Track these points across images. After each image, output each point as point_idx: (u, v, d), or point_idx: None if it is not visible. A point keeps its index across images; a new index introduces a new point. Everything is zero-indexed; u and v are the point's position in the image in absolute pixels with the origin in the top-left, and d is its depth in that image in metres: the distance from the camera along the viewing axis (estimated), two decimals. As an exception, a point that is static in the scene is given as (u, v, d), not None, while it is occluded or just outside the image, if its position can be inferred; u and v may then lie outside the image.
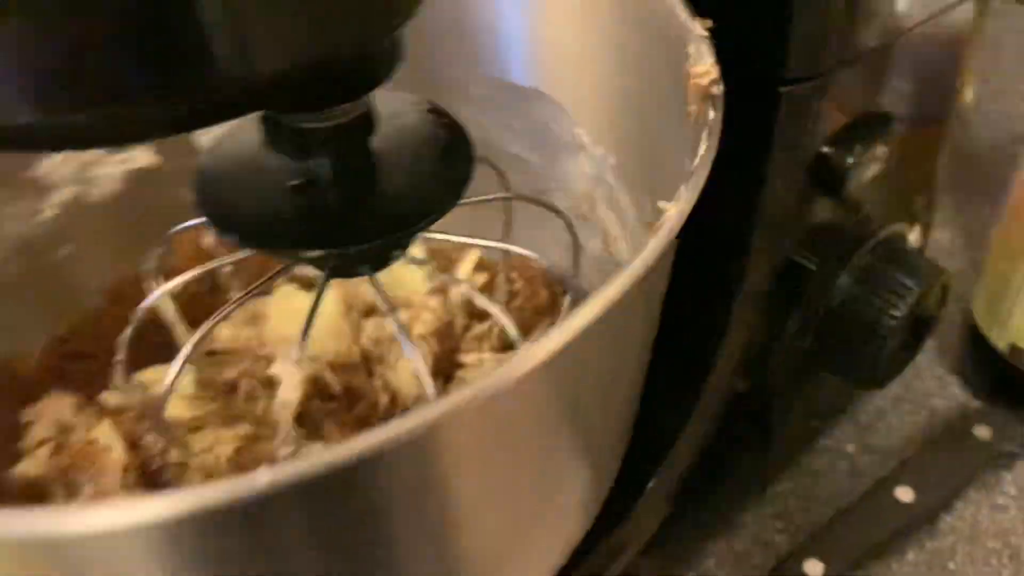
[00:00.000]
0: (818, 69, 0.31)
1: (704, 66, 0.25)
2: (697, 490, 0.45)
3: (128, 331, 0.30)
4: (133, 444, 0.33)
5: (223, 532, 0.17)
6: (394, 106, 0.30)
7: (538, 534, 0.28)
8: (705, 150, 0.23)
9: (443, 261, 0.44)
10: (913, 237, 0.44)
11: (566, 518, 0.29)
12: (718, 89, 0.25)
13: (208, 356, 0.39)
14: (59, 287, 0.41)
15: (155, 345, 0.38)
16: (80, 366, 0.40)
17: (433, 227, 0.27)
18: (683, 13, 0.28)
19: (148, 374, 0.39)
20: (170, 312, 0.36)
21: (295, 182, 0.27)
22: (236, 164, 0.28)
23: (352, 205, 0.27)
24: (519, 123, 0.40)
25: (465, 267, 0.41)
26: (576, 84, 0.35)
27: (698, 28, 0.27)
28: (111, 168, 0.41)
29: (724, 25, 0.31)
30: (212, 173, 0.28)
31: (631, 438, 0.32)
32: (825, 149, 0.33)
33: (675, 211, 0.21)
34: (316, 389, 0.35)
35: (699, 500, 0.46)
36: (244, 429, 0.34)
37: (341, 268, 0.28)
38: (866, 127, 0.35)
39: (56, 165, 0.40)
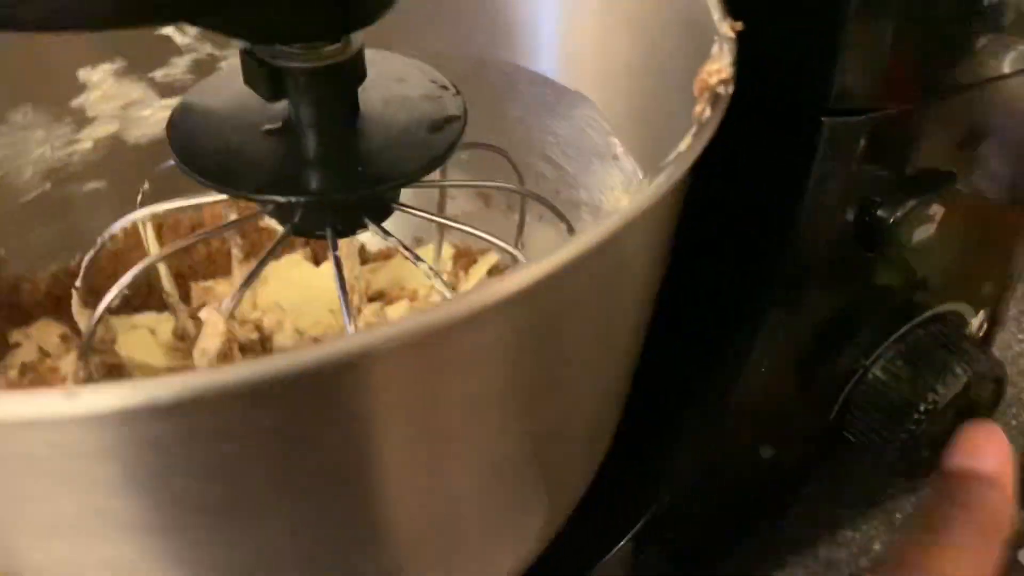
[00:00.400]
0: (868, 104, 0.28)
1: (718, 64, 0.23)
2: (702, 555, 0.42)
3: (86, 260, 0.29)
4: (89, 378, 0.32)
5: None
6: (406, 72, 0.29)
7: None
8: (686, 146, 0.20)
9: (466, 261, 0.42)
10: (976, 323, 0.40)
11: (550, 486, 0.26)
12: (724, 89, 0.22)
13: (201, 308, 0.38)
14: (80, 221, 0.41)
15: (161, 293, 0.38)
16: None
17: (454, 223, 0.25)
18: (716, 13, 0.26)
19: (140, 318, 0.38)
20: (162, 269, 0.35)
21: (269, 126, 0.26)
22: (214, 105, 0.27)
23: (322, 157, 0.26)
24: (561, 127, 0.38)
25: (480, 269, 0.40)
26: (604, 82, 0.33)
27: (726, 28, 0.25)
28: (154, 112, 0.41)
29: (773, 44, 0.29)
30: (189, 113, 0.27)
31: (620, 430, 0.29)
32: (866, 195, 0.30)
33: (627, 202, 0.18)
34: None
35: (703, 566, 0.42)
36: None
37: (304, 224, 0.27)
38: (922, 183, 0.31)
39: (100, 99, 0.40)
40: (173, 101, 0.43)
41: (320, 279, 0.39)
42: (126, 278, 0.27)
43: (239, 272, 0.37)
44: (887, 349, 0.36)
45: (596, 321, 0.22)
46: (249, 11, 0.22)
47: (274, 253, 0.26)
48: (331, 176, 0.26)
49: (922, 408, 0.35)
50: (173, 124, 0.26)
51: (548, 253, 0.17)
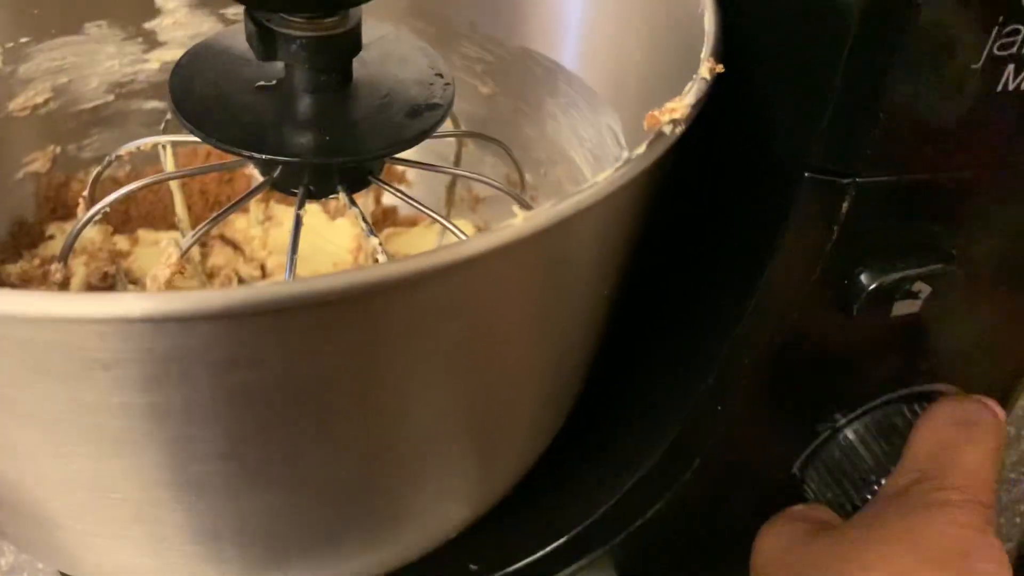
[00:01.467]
0: (857, 169, 0.28)
1: (677, 103, 0.23)
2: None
3: (95, 172, 0.32)
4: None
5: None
6: (410, 54, 0.30)
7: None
8: (604, 178, 0.21)
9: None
10: (971, 409, 0.38)
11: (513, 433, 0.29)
12: (671, 129, 0.23)
13: (218, 239, 0.40)
14: (136, 134, 0.44)
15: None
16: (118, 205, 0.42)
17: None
18: (705, 49, 0.26)
19: (165, 235, 0.41)
20: (178, 195, 0.37)
21: (263, 83, 0.27)
22: (220, 56, 0.29)
23: (305, 120, 0.27)
24: (588, 131, 0.39)
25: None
26: (617, 85, 0.34)
27: (704, 69, 0.25)
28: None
29: (764, 97, 0.29)
30: (195, 59, 0.29)
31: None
32: (849, 258, 0.30)
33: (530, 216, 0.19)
34: None
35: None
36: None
37: (282, 181, 0.28)
38: (911, 257, 0.31)
39: (172, 25, 0.42)
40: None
41: (331, 232, 0.41)
42: (120, 192, 0.29)
43: (255, 208, 0.39)
44: (862, 415, 0.36)
45: (540, 301, 0.24)
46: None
47: (244, 202, 0.28)
48: (310, 140, 0.27)
49: (878, 484, 0.34)
50: (178, 66, 0.28)
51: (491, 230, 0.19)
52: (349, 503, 0.27)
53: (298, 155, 0.26)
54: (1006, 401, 0.41)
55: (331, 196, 0.29)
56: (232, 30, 0.30)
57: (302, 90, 0.27)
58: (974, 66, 0.26)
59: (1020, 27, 0.26)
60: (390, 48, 0.30)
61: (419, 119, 0.27)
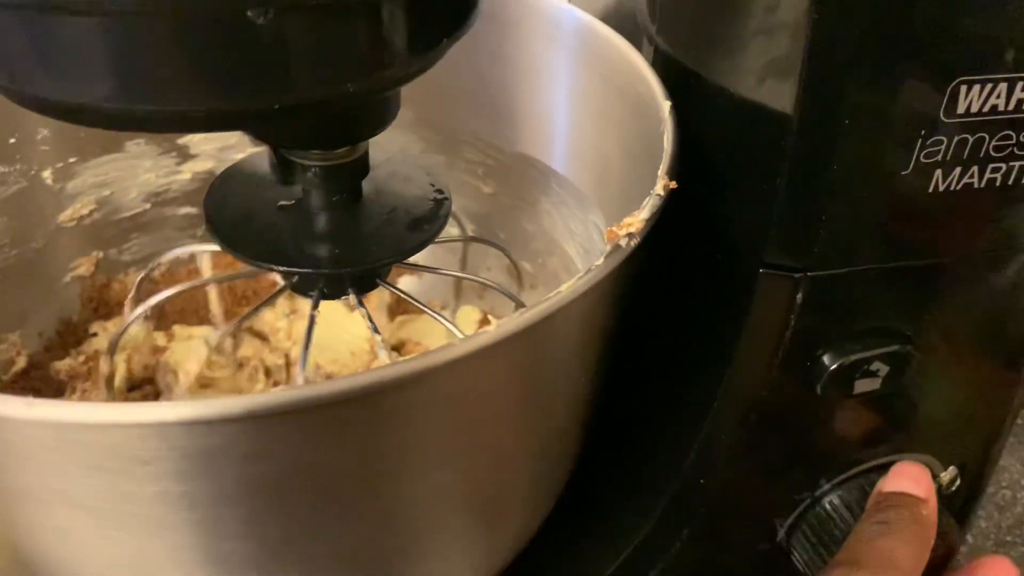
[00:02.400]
0: (803, 262, 0.31)
1: (633, 219, 0.27)
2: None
3: (140, 276, 0.36)
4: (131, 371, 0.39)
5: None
6: (414, 175, 0.34)
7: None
8: (567, 287, 0.24)
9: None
10: (946, 478, 0.41)
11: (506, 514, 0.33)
12: (627, 242, 0.26)
13: (247, 331, 0.44)
14: (172, 238, 0.48)
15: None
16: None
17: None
18: (662, 167, 0.30)
19: (198, 330, 0.45)
20: (213, 294, 0.41)
21: (284, 202, 0.31)
22: (249, 177, 0.33)
23: (319, 235, 0.31)
24: (578, 227, 0.43)
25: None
26: (599, 182, 0.38)
27: (659, 186, 0.29)
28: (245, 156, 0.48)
29: (720, 199, 0.32)
30: (227, 180, 0.33)
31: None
32: (801, 344, 0.33)
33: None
34: None
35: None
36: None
37: (300, 286, 0.32)
38: (867, 340, 0.34)
39: (202, 140, 0.47)
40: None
41: (350, 323, 0.45)
42: (165, 294, 0.33)
43: (281, 302, 0.43)
44: (842, 483, 0.38)
45: (524, 390, 0.27)
46: (271, 127, 0.28)
47: (269, 303, 0.32)
48: (323, 252, 0.31)
49: (855, 548, 0.37)
50: (212, 188, 0.32)
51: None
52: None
53: (312, 267, 0.30)
54: (985, 464, 0.43)
55: (343, 297, 0.32)
56: (259, 154, 0.34)
57: (317, 208, 0.31)
58: (904, 172, 0.29)
59: (943, 138, 0.29)
60: (396, 168, 0.34)
61: (419, 231, 0.31)
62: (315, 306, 0.31)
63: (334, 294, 0.32)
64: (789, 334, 0.33)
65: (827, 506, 0.39)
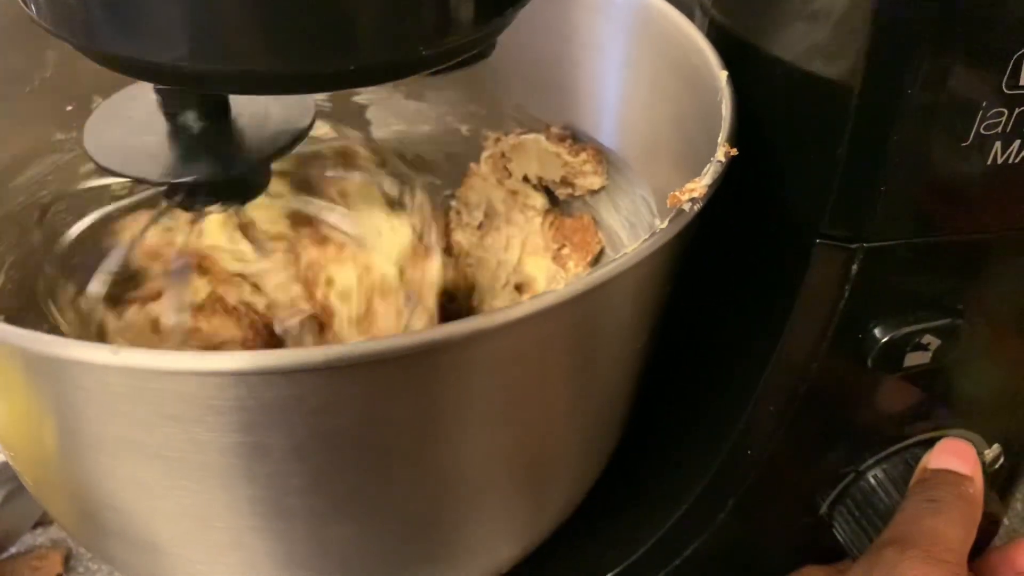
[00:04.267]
0: (860, 233, 0.31)
1: (695, 184, 0.27)
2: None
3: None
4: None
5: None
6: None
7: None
8: (631, 249, 0.25)
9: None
10: (989, 455, 0.41)
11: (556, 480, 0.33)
12: (690, 206, 0.27)
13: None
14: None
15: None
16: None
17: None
18: (722, 134, 0.30)
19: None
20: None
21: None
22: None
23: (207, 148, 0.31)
24: (624, 201, 0.43)
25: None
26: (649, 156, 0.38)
27: (720, 153, 0.29)
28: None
29: (778, 169, 0.32)
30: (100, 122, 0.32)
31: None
32: (854, 317, 0.33)
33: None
34: None
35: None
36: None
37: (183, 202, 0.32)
38: (919, 312, 0.34)
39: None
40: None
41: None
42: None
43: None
44: (886, 458, 0.39)
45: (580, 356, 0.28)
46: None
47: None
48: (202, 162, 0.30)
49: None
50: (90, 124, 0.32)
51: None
52: (413, 536, 0.30)
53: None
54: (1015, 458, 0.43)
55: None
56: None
57: (191, 125, 0.30)
58: (964, 144, 0.29)
59: (1003, 110, 0.29)
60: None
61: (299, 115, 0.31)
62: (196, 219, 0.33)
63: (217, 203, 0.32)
64: (842, 306, 0.33)
65: (871, 480, 0.39)
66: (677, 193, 0.27)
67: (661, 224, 0.26)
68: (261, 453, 0.24)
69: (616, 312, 0.28)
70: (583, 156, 0.42)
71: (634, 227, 0.41)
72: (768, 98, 0.33)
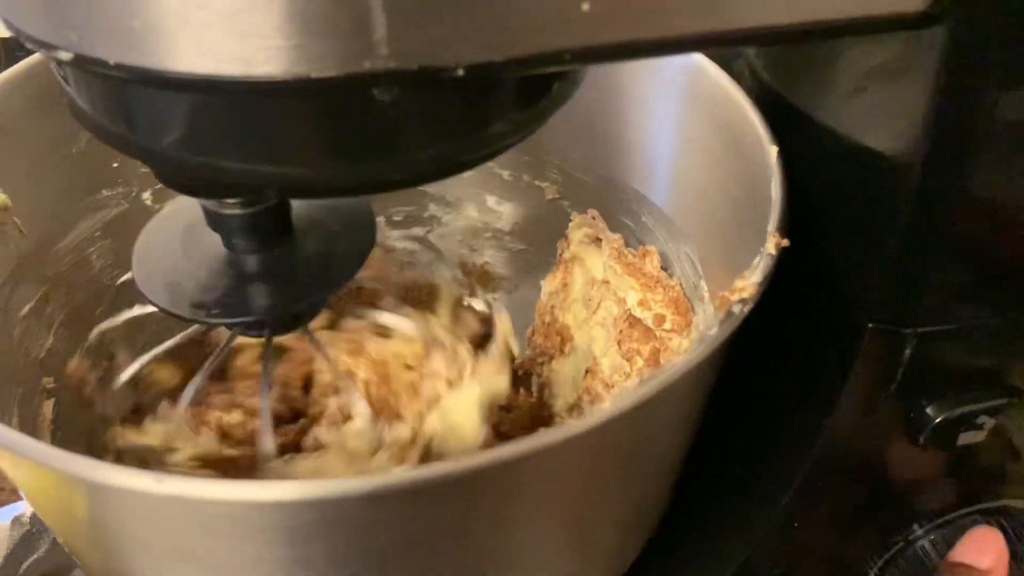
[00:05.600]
0: (912, 319, 0.30)
1: (745, 282, 0.26)
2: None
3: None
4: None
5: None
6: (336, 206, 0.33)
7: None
8: (685, 352, 0.24)
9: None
10: (1044, 521, 0.40)
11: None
12: (740, 308, 0.26)
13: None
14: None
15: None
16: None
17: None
18: (771, 223, 0.29)
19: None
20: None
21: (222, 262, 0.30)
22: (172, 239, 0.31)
23: (254, 276, 0.30)
24: (670, 258, 0.42)
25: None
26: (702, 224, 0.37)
27: (770, 245, 0.28)
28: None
29: (826, 250, 0.31)
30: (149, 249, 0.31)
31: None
32: (906, 397, 0.32)
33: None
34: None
35: None
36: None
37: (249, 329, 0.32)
38: (974, 394, 0.33)
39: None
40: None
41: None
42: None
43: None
44: (940, 526, 0.38)
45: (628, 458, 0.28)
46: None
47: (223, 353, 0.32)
48: (264, 294, 0.30)
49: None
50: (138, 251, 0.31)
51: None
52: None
53: (246, 313, 0.29)
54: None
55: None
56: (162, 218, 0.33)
57: (246, 252, 0.29)
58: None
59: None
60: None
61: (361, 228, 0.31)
62: (268, 345, 0.32)
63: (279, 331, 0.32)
64: (894, 388, 0.32)
65: (923, 547, 0.38)
66: (727, 294, 0.26)
67: (712, 330, 0.25)
68: (305, 563, 0.24)
69: (667, 413, 0.27)
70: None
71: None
72: (819, 172, 0.32)
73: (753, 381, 0.37)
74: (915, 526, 0.37)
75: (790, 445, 0.35)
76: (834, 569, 0.39)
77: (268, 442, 0.32)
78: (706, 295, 0.38)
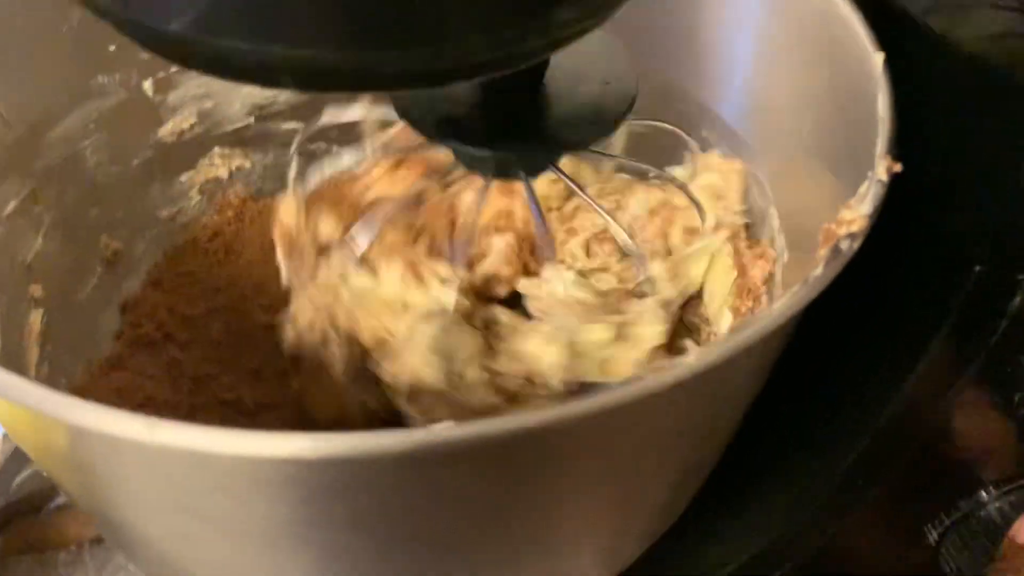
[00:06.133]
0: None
1: (854, 214, 0.22)
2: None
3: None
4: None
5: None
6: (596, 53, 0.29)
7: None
8: (790, 296, 0.20)
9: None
10: None
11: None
12: (848, 244, 0.22)
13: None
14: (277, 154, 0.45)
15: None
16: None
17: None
18: (880, 145, 0.25)
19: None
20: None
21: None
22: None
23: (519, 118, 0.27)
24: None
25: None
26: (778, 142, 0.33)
27: (881, 169, 0.24)
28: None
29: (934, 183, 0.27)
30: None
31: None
32: (1004, 351, 0.28)
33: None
34: None
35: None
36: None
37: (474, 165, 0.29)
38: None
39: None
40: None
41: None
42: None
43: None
44: (1008, 493, 0.34)
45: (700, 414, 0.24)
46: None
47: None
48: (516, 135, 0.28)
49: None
50: None
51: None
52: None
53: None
54: None
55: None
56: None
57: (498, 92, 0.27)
58: None
59: None
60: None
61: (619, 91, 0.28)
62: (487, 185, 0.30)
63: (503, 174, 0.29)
64: (994, 340, 0.28)
65: (990, 514, 0.35)
66: (832, 226, 0.22)
67: (815, 272, 0.21)
68: (324, 521, 0.21)
69: (745, 370, 0.24)
70: None
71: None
72: (930, 88, 0.28)
73: (822, 333, 0.33)
74: (983, 492, 0.34)
75: (873, 395, 0.31)
76: (888, 533, 0.35)
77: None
78: (776, 223, 0.34)
